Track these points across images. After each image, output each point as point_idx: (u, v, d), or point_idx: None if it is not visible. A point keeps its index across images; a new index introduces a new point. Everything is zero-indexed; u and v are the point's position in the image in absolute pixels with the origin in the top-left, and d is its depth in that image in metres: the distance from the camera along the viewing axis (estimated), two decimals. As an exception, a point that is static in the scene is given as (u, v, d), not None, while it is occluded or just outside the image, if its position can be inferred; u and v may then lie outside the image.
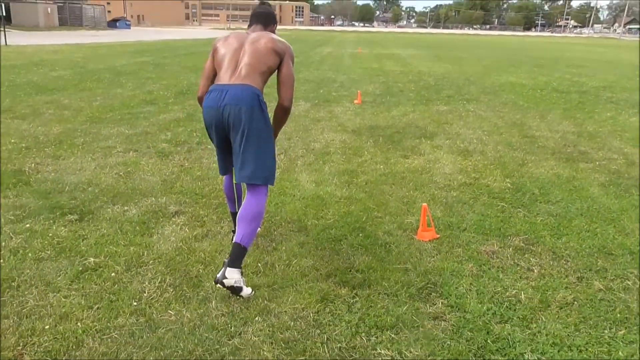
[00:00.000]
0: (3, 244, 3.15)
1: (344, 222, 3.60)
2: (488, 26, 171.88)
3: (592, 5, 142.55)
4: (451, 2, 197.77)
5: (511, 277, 2.87)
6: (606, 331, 2.40)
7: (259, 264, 2.96)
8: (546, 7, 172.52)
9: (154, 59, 17.31)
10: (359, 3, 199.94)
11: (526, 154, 5.55)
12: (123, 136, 6.01)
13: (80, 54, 18.69)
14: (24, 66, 13.45)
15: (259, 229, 2.87)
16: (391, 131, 6.64)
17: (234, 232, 3.01)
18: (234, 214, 3.15)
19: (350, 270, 2.91)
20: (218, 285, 2.51)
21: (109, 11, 73.41)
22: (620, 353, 2.24)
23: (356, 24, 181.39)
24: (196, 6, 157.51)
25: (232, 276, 2.49)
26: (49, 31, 41.41)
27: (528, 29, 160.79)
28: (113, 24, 61.37)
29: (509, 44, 41.55)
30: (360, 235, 3.39)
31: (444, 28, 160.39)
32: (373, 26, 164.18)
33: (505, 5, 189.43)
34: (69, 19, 54.25)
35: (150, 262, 2.97)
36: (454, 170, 4.93)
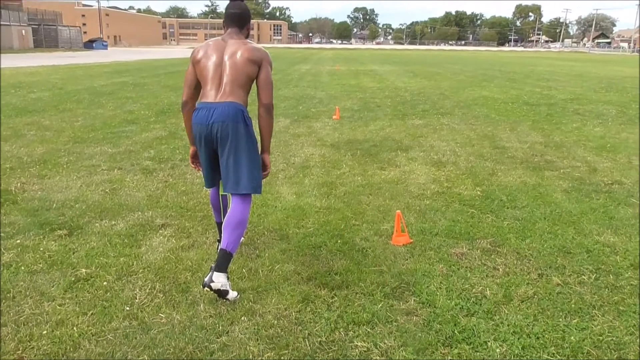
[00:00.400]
0: (-4, 258, 3.29)
1: (323, 230, 3.81)
2: (463, 42, 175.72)
3: (561, 20, 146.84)
4: (426, 19, 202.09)
5: (478, 276, 3.11)
6: (561, 320, 2.64)
7: (244, 270, 3.15)
8: (518, 23, 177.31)
9: (133, 79, 17.43)
10: (337, 21, 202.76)
11: (496, 164, 5.86)
12: (107, 155, 6.15)
13: (57, 75, 18.71)
14: (1, 89, 13.46)
15: (242, 237, 3.06)
16: (368, 145, 6.90)
17: (219, 241, 3.19)
18: (219, 224, 3.29)
19: (330, 273, 3.11)
20: (206, 289, 2.70)
21: (84, 32, 73.21)
22: (572, 338, 2.49)
23: (334, 41, 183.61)
24: (173, 26, 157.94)
25: (219, 280, 2.69)
26: (24, 53, 41.14)
27: (502, 44, 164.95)
28: (89, 44, 61.29)
29: (483, 59, 42.68)
30: (339, 241, 3.60)
31: (420, 44, 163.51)
32: (351, 43, 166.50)
33: (479, 22, 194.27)
34: (45, 40, 54.05)
35: (140, 271, 3.13)
36: (428, 180, 5.20)
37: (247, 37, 2.99)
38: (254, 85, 2.89)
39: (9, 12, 48.44)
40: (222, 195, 3.24)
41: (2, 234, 3.67)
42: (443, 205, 4.39)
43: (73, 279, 3.02)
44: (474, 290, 2.93)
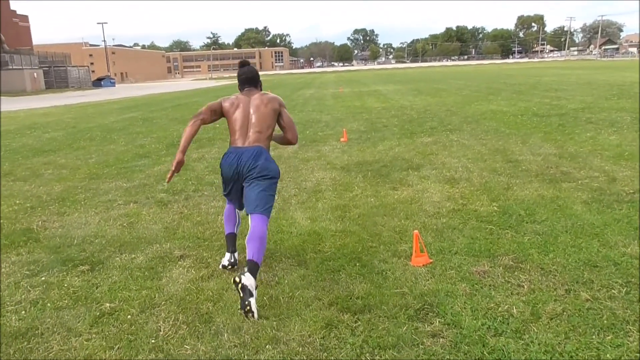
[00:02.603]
0: (23, 296, 3.34)
1: (340, 253, 3.82)
2: (466, 56, 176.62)
3: (566, 29, 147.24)
4: (427, 36, 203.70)
5: (503, 294, 3.09)
6: (594, 337, 2.59)
7: (265, 298, 3.16)
8: (521, 34, 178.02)
9: (142, 114, 17.73)
10: (337, 44, 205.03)
11: (510, 178, 5.85)
12: (122, 189, 6.24)
13: (70, 114, 19.09)
14: (17, 130, 13.77)
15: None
16: (379, 165, 6.93)
17: (229, 252, 3.68)
18: (230, 235, 3.69)
19: (351, 298, 3.11)
20: (235, 283, 2.91)
21: (92, 71, 74.83)
22: (608, 356, 2.44)
23: (335, 64, 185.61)
24: (177, 59, 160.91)
25: (249, 280, 2.93)
26: (36, 95, 42.07)
27: (506, 56, 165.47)
28: (98, 83, 62.58)
29: (487, 73, 42.84)
30: (357, 264, 3.61)
31: (422, 61, 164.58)
32: (352, 65, 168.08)
33: (480, 35, 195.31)
34: (55, 81, 55.30)
35: (162, 303, 3.16)
36: (442, 198, 5.20)
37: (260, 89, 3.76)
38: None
39: (21, 56, 49.77)
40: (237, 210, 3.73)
41: (27, 272, 3.73)
42: (460, 223, 4.39)
43: (98, 313, 3.06)
44: (499, 309, 2.91)
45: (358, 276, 3.42)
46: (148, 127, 13.15)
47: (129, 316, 3.01)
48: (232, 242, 3.68)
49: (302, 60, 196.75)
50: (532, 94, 17.96)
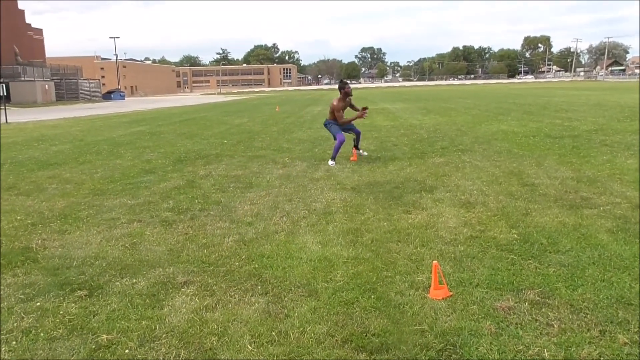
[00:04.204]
0: (16, 324, 3.11)
1: (354, 283, 3.59)
2: (472, 76, 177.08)
3: (572, 50, 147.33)
4: (434, 55, 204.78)
5: (531, 334, 2.84)
6: (635, 385, 2.35)
7: (273, 333, 2.92)
8: (527, 55, 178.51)
9: (150, 128, 17.65)
10: (345, 61, 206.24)
11: (528, 203, 5.61)
12: (126, 207, 6.05)
13: (78, 127, 19.05)
14: (25, 142, 13.68)
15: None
16: (390, 186, 6.71)
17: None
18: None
19: (366, 335, 2.87)
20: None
21: (103, 84, 75.53)
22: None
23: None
24: (187, 74, 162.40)
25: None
26: (46, 107, 42.37)
27: (512, 76, 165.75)
28: (108, 95, 63.01)
29: (494, 92, 42.73)
30: (372, 297, 3.37)
31: (429, 80, 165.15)
32: (360, 82, 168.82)
33: (487, 55, 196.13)
34: (66, 94, 55.76)
35: (163, 335, 2.93)
36: (459, 223, 4.97)
37: (346, 95, 8.73)
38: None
39: (33, 68, 50.28)
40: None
41: (22, 296, 3.52)
42: (479, 252, 4.14)
43: (94, 346, 2.83)
44: (529, 352, 2.65)
45: (373, 310, 3.17)
46: (155, 142, 13.03)
47: (126, 350, 2.78)
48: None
49: (309, 78, 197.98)
50: (542, 114, 17.75)
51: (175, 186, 7.21)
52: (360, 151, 9.47)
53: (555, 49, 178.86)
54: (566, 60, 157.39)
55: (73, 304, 3.38)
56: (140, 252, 4.42)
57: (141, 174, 8.25)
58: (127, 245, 4.61)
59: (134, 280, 3.77)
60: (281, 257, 4.13)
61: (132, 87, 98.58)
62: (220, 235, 4.84)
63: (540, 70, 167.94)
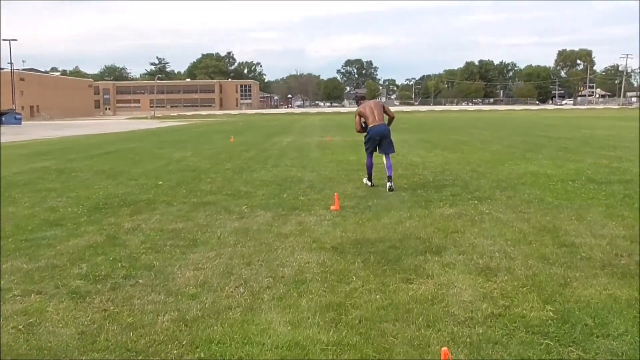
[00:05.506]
0: None
1: (336, 379, 3.59)
2: (492, 99, 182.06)
3: (621, 69, 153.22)
4: (441, 71, 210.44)
5: None
6: None
7: None
8: (563, 74, 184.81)
9: (57, 164, 17.57)
10: (323, 77, 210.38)
11: (567, 270, 5.74)
12: (21, 273, 5.98)
13: (-46, 159, 18.79)
14: None
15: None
16: (384, 246, 6.79)
17: (372, 184, 11.77)
18: (370, 175, 11.82)
19: None
20: (390, 189, 10.98)
21: (-8, 101, 75.07)
22: None
23: (321, 103, 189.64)
24: (109, 90, 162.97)
25: (391, 183, 11.17)
26: None
27: (543, 101, 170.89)
28: (-2, 118, 62.54)
29: (520, 122, 43.97)
30: (361, 397, 3.37)
31: (435, 104, 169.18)
32: (343, 105, 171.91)
33: (510, 73, 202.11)
34: None
35: None
36: (476, 296, 5.04)
37: (359, 100, 12.35)
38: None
39: None
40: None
41: None
42: (504, 335, 4.21)
43: None
44: None
45: (362, 416, 3.17)
46: (64, 182, 12.96)
47: None
48: (371, 176, 11.79)
49: (276, 98, 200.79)
50: (583, 152, 18.32)
51: (91, 244, 7.16)
52: (389, 184, 11.25)
53: (599, 66, 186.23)
54: (612, 81, 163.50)
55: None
56: (40, 336, 4.36)
57: (43, 227, 8.18)
58: (20, 327, 4.55)
59: (30, 376, 3.69)
60: (236, 344, 4.12)
61: (32, 107, 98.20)
62: (153, 312, 4.81)
63: (580, 94, 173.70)
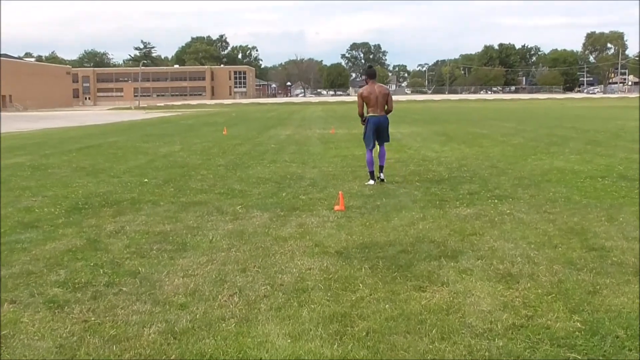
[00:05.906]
0: None
1: (341, 397, 3.60)
2: (513, 87, 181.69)
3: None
4: (457, 56, 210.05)
5: None
6: None
7: None
8: (592, 59, 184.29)
9: (32, 159, 17.61)
10: (326, 63, 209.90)
11: (596, 276, 5.74)
12: (-8, 280, 5.98)
13: None
14: None
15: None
16: (394, 250, 6.81)
17: (372, 178, 11.83)
18: (372, 172, 11.82)
19: None
20: (380, 180, 11.84)
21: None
22: None
23: (324, 92, 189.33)
24: (89, 78, 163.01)
25: (383, 176, 11.99)
26: None
27: (570, 88, 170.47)
28: (-34, 109, 62.64)
29: (545, 112, 43.88)
30: (369, 417, 3.38)
31: (450, 92, 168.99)
32: (348, 94, 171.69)
33: (534, 58, 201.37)
34: None
35: None
36: (495, 306, 5.05)
37: (368, 77, 12.39)
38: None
39: None
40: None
41: None
42: (526, 348, 4.21)
43: None
44: None
45: None
46: (40, 180, 12.99)
47: None
48: (374, 174, 11.81)
49: (274, 86, 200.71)
50: (614, 145, 18.30)
51: (70, 248, 7.18)
52: (380, 175, 12.04)
53: (631, 51, 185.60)
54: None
55: None
56: (14, 350, 4.37)
57: (17, 230, 8.21)
58: (-7, 339, 4.55)
59: (4, 394, 3.71)
60: (230, 358, 4.13)
61: (4, 96, 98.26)
62: (138, 323, 4.82)
63: (611, 81, 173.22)
